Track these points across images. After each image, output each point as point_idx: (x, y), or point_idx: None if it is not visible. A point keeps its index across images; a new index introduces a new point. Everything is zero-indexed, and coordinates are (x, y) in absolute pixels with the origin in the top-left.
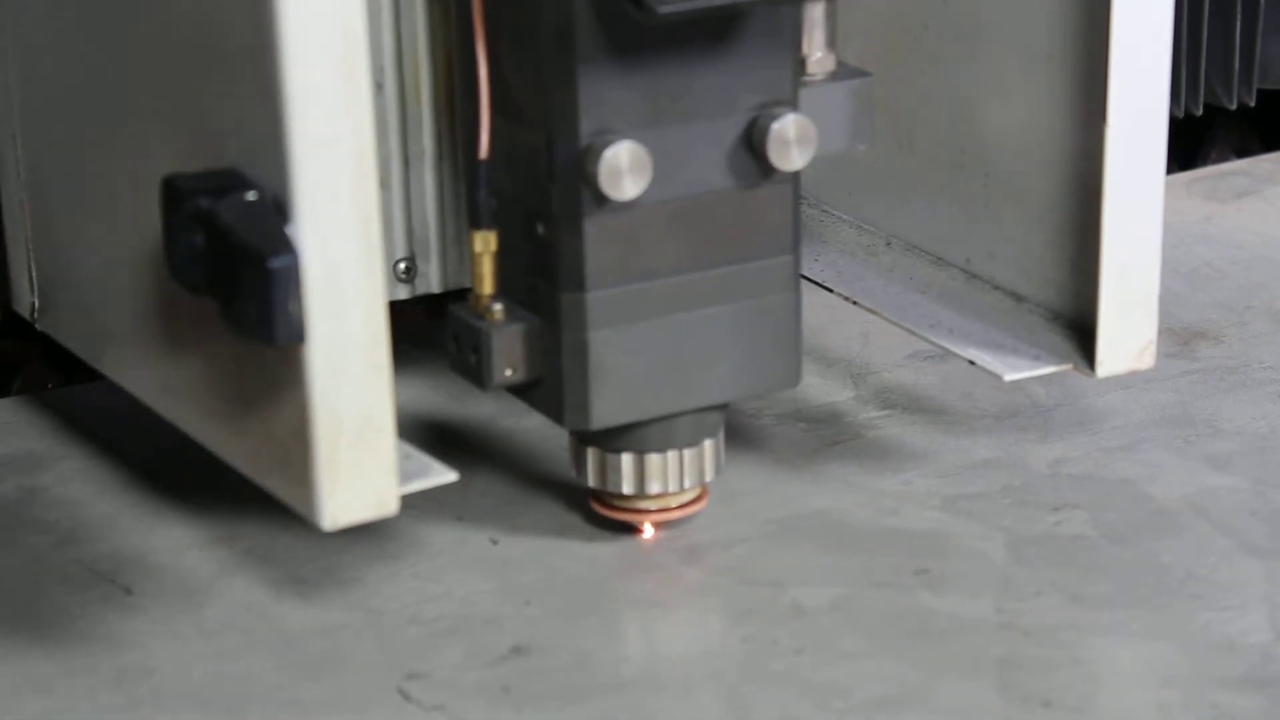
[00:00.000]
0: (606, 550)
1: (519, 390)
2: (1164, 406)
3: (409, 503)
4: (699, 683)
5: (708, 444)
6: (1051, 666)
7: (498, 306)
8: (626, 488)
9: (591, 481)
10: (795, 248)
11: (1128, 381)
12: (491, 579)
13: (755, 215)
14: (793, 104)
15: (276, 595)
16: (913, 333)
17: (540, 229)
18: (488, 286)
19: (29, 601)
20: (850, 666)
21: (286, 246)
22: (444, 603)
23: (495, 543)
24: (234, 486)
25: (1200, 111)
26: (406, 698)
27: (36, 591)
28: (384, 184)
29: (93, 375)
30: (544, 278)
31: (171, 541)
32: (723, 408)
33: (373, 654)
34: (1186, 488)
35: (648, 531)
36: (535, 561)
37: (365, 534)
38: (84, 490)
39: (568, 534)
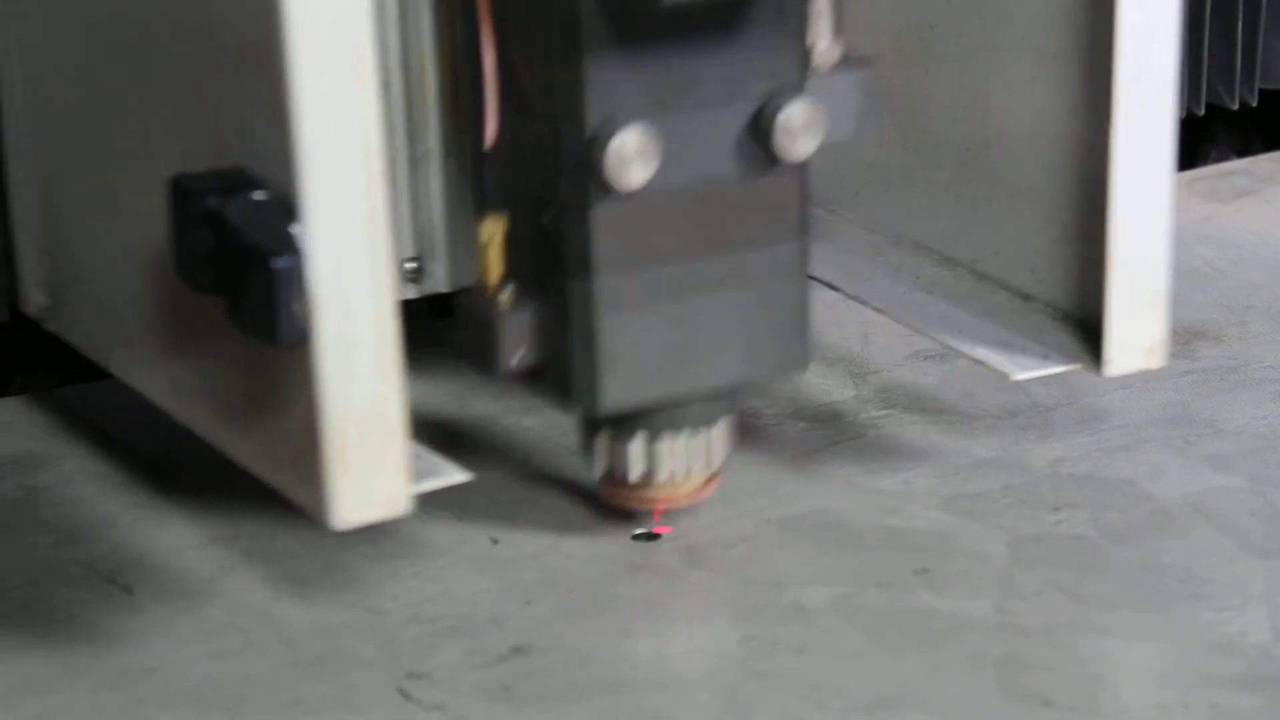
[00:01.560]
0: (607, 550)
1: (527, 377)
2: (1164, 406)
3: None
4: (699, 683)
5: (716, 430)
6: (1051, 666)
7: (506, 293)
8: (635, 474)
9: (599, 469)
10: (803, 234)
11: (1128, 381)
12: (491, 579)
13: (763, 202)
14: (800, 91)
15: (276, 595)
16: (920, 332)
17: (548, 217)
18: (495, 273)
19: (29, 601)
20: (850, 666)
21: (291, 246)
22: (444, 602)
23: (495, 542)
24: (235, 486)
25: (1202, 111)
26: (406, 698)
27: (36, 591)
28: (390, 183)
29: (93, 374)
30: (552, 265)
31: (171, 541)
32: (732, 393)
33: (373, 654)
34: (1186, 488)
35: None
36: (535, 561)
37: (365, 534)
38: (84, 490)
39: (568, 533)
